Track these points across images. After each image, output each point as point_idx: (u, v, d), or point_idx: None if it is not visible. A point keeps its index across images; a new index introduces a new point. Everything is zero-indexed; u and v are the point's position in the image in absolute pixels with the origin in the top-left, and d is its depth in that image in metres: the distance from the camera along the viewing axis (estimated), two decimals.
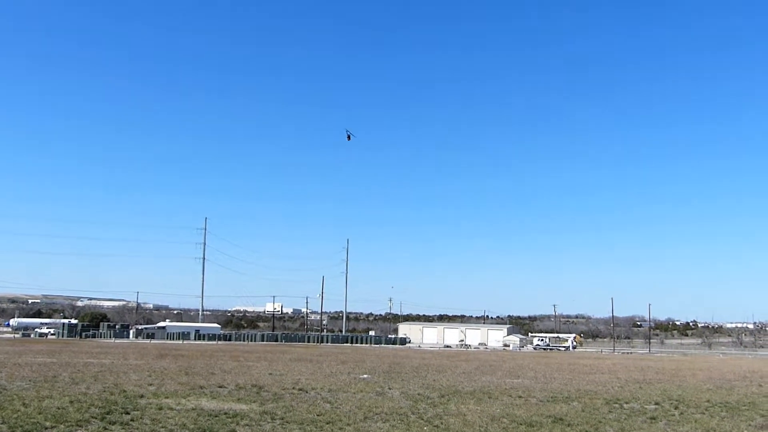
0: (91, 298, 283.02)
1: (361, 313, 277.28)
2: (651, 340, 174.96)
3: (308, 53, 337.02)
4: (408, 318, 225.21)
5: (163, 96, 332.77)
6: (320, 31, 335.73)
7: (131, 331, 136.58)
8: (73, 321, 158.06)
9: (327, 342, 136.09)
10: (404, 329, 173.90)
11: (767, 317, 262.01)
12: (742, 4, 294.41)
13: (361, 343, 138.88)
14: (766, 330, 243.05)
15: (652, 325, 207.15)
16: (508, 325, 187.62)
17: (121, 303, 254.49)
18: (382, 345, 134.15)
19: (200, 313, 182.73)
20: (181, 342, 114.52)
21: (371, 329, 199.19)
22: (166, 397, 23.55)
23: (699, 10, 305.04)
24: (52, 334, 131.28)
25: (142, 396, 23.72)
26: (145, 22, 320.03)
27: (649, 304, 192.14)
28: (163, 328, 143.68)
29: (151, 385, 28.31)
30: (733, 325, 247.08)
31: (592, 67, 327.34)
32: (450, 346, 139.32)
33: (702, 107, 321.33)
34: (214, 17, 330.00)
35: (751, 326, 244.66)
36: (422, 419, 20.05)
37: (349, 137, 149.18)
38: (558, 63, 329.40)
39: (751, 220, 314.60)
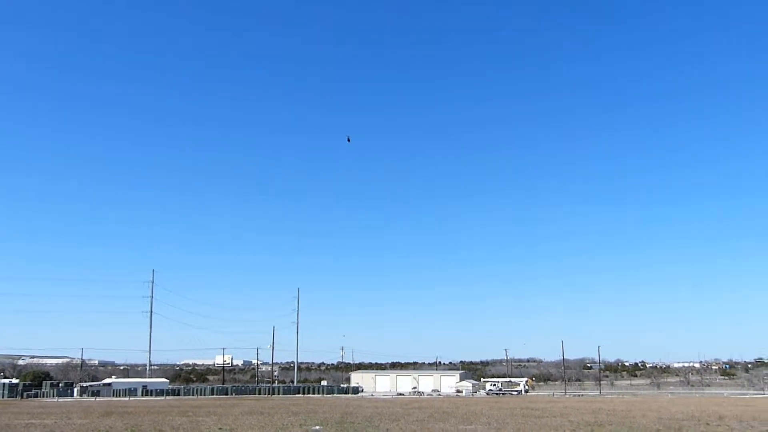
0: (33, 356, 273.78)
1: (313, 363, 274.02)
2: (601, 382, 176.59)
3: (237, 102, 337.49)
4: (360, 366, 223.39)
5: (104, 143, 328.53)
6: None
7: (75, 390, 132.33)
8: (14, 380, 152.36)
9: (278, 393, 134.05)
10: (356, 378, 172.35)
11: (713, 356, 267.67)
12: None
13: (314, 393, 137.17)
14: (711, 369, 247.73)
15: (602, 366, 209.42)
16: (460, 371, 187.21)
17: (65, 360, 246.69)
18: (335, 394, 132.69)
19: (147, 367, 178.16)
20: (127, 399, 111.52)
21: (323, 379, 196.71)
22: None
23: None
24: None
25: None
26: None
27: (599, 347, 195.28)
28: (109, 384, 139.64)
29: None
30: (681, 365, 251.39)
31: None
32: (403, 394, 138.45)
33: (637, 159, 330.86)
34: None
35: (697, 365, 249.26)
36: None
37: (348, 140, 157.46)
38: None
39: (695, 264, 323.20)
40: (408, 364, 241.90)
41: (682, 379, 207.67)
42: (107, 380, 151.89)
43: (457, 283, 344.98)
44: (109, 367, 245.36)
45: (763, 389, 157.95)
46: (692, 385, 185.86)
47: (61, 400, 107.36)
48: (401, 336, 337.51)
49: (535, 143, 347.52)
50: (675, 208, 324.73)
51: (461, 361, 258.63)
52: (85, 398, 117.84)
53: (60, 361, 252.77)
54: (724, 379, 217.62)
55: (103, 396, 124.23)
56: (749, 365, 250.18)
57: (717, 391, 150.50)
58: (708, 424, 39.49)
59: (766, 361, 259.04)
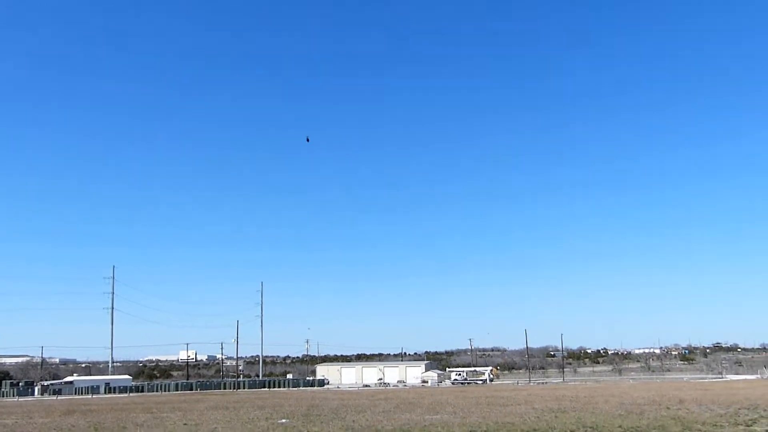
0: None
1: (278, 356, 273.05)
2: (564, 369, 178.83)
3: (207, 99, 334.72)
4: (326, 359, 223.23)
5: (60, 138, 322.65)
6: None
7: (36, 388, 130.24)
8: None
9: (244, 388, 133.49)
10: (322, 371, 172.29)
11: (672, 342, 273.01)
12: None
13: (279, 386, 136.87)
14: (671, 354, 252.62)
15: (565, 354, 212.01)
16: (425, 362, 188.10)
17: (25, 359, 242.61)
18: (301, 387, 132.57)
19: (110, 365, 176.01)
20: (90, 397, 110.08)
21: (289, 372, 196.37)
22: None
23: None
24: None
25: None
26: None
27: (562, 334, 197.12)
28: (71, 383, 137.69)
29: None
30: (641, 351, 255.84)
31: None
32: (369, 386, 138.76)
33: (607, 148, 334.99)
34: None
35: (657, 351, 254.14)
36: None
37: (308, 139, 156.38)
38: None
39: (654, 252, 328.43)
40: (373, 355, 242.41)
41: (643, 364, 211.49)
42: (69, 378, 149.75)
43: (420, 274, 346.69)
44: (71, 365, 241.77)
45: (721, 373, 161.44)
46: (653, 371, 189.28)
47: (21, 399, 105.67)
48: (366, 328, 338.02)
49: (505, 131, 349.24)
50: (632, 196, 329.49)
51: (426, 352, 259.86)
52: (47, 397, 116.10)
53: (19, 359, 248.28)
54: (684, 364, 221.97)
55: (65, 394, 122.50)
56: (708, 350, 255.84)
57: (677, 376, 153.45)
58: (668, 408, 40.26)
59: (724, 345, 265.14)
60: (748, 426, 28.09)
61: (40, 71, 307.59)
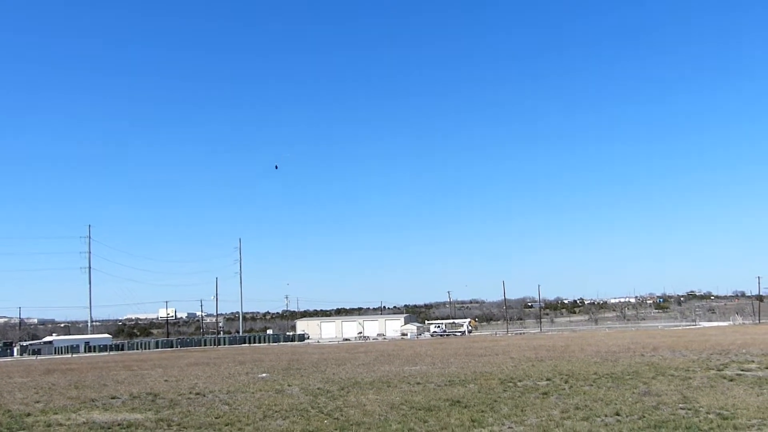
0: None
1: (258, 313, 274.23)
2: (542, 320, 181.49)
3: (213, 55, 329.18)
4: (305, 314, 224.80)
5: (31, 94, 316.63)
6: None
7: (15, 349, 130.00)
8: None
9: (224, 344, 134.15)
10: (302, 326, 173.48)
11: (647, 291, 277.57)
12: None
13: (259, 342, 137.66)
14: (646, 303, 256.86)
15: (542, 305, 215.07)
16: (405, 315, 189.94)
17: (3, 320, 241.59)
18: (281, 343, 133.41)
19: (89, 324, 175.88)
20: (70, 356, 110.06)
21: (269, 328, 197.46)
22: (55, 413, 22.65)
23: None
24: None
25: (28, 414, 22.70)
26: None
27: (539, 285, 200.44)
28: (50, 342, 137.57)
29: (38, 402, 27.13)
30: (617, 300, 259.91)
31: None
32: (349, 339, 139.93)
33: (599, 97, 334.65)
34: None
35: (633, 300, 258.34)
36: (322, 413, 20.10)
37: (276, 167, 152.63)
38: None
39: (628, 202, 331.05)
40: (353, 309, 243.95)
41: (618, 314, 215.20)
42: (48, 338, 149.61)
43: (398, 228, 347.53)
44: (49, 325, 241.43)
45: (694, 320, 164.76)
46: (628, 320, 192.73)
47: (0, 360, 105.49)
48: (345, 282, 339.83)
49: (481, 79, 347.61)
50: (608, 146, 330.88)
51: (405, 305, 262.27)
52: (26, 357, 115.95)
53: None
54: (659, 312, 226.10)
55: (44, 354, 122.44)
56: (682, 298, 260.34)
57: (651, 324, 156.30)
58: (643, 355, 41.04)
59: (697, 293, 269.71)
60: (719, 370, 28.71)
61: None
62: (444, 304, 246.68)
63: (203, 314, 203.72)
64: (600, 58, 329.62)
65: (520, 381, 27.54)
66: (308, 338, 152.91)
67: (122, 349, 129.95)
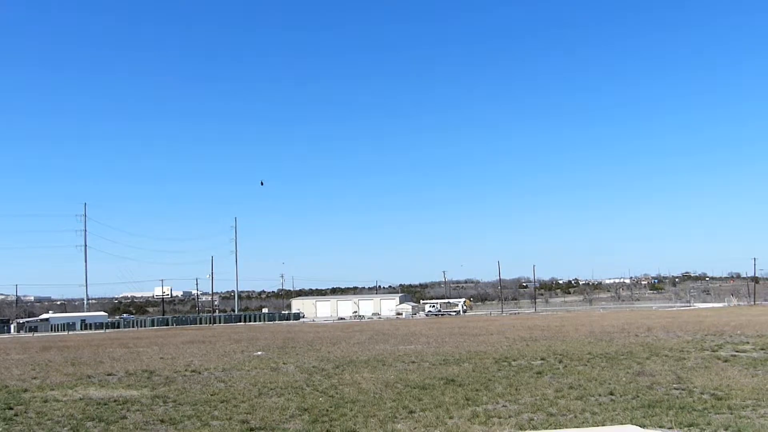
0: None
1: (254, 291, 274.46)
2: (536, 300, 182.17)
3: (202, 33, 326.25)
4: (301, 293, 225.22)
5: (37, 70, 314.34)
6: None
7: (12, 326, 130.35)
8: None
9: (219, 322, 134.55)
10: (297, 304, 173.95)
11: (642, 272, 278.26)
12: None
13: (255, 321, 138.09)
14: (641, 284, 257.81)
15: (537, 285, 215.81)
16: (400, 294, 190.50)
17: (0, 297, 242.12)
18: (276, 321, 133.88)
19: (85, 302, 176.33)
20: (66, 333, 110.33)
21: (264, 307, 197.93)
22: (52, 389, 22.72)
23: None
24: None
25: (25, 390, 22.78)
26: None
27: (534, 266, 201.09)
28: (47, 320, 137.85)
29: (35, 378, 27.22)
30: (612, 281, 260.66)
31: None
32: (344, 318, 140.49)
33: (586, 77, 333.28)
34: None
35: (627, 281, 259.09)
36: (317, 390, 20.18)
37: (262, 183, 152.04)
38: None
39: (624, 182, 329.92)
40: (348, 289, 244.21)
41: (613, 294, 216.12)
42: (44, 315, 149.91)
43: (394, 207, 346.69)
44: (46, 303, 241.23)
45: (689, 302, 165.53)
46: (623, 300, 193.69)
47: None
48: (341, 261, 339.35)
49: (473, 62, 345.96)
50: (601, 126, 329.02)
51: (400, 285, 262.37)
52: (23, 334, 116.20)
53: None
54: (653, 293, 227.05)
55: (41, 331, 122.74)
56: (676, 279, 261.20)
57: (646, 305, 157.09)
58: (637, 335, 41.26)
59: (692, 275, 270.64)
60: (713, 351, 28.86)
61: None
62: (439, 283, 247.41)
63: (199, 292, 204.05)
64: (597, 39, 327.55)
65: (514, 360, 27.67)
66: (303, 317, 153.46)
67: (118, 327, 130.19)
